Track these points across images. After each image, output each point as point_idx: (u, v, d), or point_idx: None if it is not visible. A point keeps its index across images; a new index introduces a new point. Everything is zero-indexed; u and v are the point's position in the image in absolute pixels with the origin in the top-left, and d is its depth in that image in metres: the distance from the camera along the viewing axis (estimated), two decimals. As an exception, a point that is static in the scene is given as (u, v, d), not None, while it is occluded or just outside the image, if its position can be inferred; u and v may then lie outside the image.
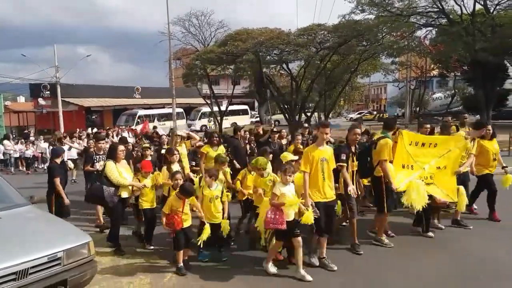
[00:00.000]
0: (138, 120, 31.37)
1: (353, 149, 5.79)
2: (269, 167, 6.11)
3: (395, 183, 5.63)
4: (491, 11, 18.41)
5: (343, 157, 5.40)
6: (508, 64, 27.59)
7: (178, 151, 6.85)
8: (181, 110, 36.19)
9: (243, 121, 35.39)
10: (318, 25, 20.52)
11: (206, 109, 37.50)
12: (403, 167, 6.00)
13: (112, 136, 16.12)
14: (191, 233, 5.33)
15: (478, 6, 18.52)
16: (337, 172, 5.41)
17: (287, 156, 5.72)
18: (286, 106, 23.55)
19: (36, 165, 18.21)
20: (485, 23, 17.65)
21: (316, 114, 28.68)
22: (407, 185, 5.80)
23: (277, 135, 9.40)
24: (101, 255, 5.78)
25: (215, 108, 28.13)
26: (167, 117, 33.76)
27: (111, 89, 39.19)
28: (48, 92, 34.11)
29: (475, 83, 22.71)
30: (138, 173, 6.33)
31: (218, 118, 27.47)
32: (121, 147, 6.22)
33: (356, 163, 5.78)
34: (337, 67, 22.10)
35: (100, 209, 7.27)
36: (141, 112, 33.90)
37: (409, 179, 5.86)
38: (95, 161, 7.47)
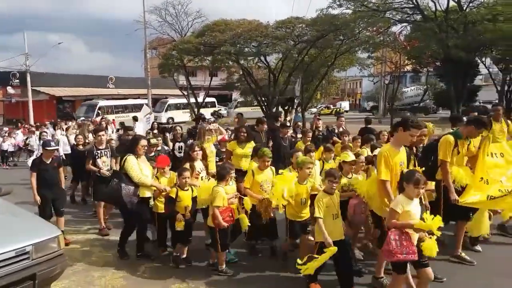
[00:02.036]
0: (99, 111, 29.65)
1: (414, 150, 4.81)
2: (315, 171, 5.28)
3: (458, 195, 4.63)
4: (464, 8, 18.93)
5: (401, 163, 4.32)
6: (478, 61, 28.55)
7: (200, 146, 5.73)
8: (146, 101, 34.41)
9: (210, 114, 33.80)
10: (296, 18, 20.58)
11: (173, 100, 36.24)
12: (481, 180, 4.88)
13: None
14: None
15: (451, 3, 19.01)
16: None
17: (347, 155, 5.06)
18: (263, 99, 23.59)
19: (17, 159, 16.05)
20: (458, 20, 18.15)
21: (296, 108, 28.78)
22: (476, 202, 4.75)
23: (289, 131, 8.19)
24: (72, 249, 5.65)
25: (192, 100, 27.85)
26: (131, 108, 31.71)
27: (83, 78, 38.06)
28: (18, 80, 32.81)
29: (447, 79, 23.42)
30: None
31: (195, 110, 27.21)
32: (144, 142, 5.44)
33: (419, 169, 4.54)
34: (314, 60, 22.25)
35: (104, 211, 6.57)
36: (102, 102, 32.00)
37: (485, 194, 4.77)
38: (96, 156, 6.43)
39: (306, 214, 4.82)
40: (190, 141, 7.29)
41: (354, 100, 65.53)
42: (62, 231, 5.51)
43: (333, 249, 3.98)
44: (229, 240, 4.89)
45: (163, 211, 5.17)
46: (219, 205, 4.62)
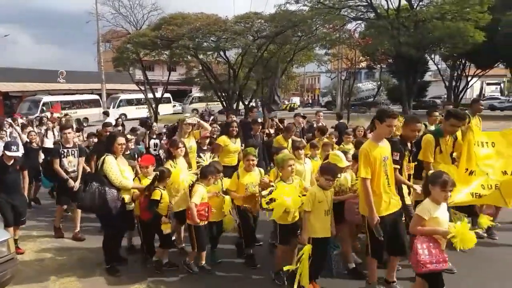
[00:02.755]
0: (43, 107, 27.36)
1: (409, 145, 4.55)
2: (304, 169, 5.01)
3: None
4: (415, 6, 19.83)
5: (396, 156, 4.18)
6: (428, 58, 30.10)
7: (184, 143, 5.35)
8: (96, 97, 32.51)
9: (164, 110, 32.27)
10: (255, 13, 20.60)
11: (125, 96, 34.75)
12: (466, 171, 4.73)
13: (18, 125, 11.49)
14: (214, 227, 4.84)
15: (403, 2, 19.88)
16: None
17: (339, 158, 4.51)
18: (223, 94, 23.47)
19: None
20: (409, 18, 19.00)
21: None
22: (463, 202, 4.58)
23: (259, 127, 7.72)
24: (25, 254, 5.33)
25: (150, 95, 27.10)
26: (80, 104, 30.34)
27: (32, 73, 35.81)
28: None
29: (399, 75, 24.49)
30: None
31: (153, 105, 26.54)
32: (122, 139, 4.88)
33: (412, 164, 4.54)
34: (273, 56, 22.43)
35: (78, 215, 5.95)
36: (47, 98, 29.76)
37: (469, 190, 4.63)
38: (62, 155, 5.85)
39: (296, 216, 4.35)
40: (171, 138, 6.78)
41: (313, 95, 66.93)
42: (15, 239, 5.20)
43: (308, 248, 3.96)
44: (207, 241, 4.73)
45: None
46: (196, 202, 4.45)
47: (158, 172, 4.73)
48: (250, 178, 4.74)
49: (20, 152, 5.43)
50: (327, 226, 4.13)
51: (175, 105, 37.69)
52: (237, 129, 6.42)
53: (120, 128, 10.27)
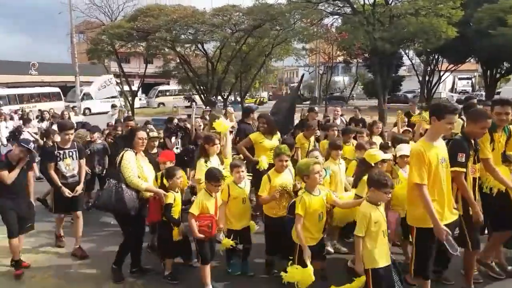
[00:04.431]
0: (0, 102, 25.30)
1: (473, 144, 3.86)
2: (338, 174, 4.57)
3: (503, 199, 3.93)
4: (390, 2, 20.18)
5: (461, 158, 3.50)
6: (402, 53, 30.72)
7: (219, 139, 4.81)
8: (57, 90, 30.80)
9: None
10: (233, 6, 20.52)
11: (88, 88, 33.30)
12: None
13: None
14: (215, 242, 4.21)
15: (379, -3, 20.16)
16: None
17: (375, 155, 4.07)
18: (202, 88, 23.33)
19: None
20: (384, 14, 19.30)
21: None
22: None
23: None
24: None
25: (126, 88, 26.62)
26: (39, 97, 28.23)
27: (2, 65, 34.56)
28: None
29: (374, 70, 24.85)
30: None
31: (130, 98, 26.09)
32: (143, 133, 4.39)
33: (478, 166, 3.81)
34: (252, 49, 22.44)
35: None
36: (1, 91, 27.71)
37: None
38: (59, 158, 5.00)
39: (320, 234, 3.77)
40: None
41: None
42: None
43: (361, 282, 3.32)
44: (211, 254, 4.07)
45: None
46: (193, 212, 3.86)
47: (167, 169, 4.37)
48: (282, 180, 4.16)
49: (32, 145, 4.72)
50: (387, 250, 3.42)
51: (141, 99, 36.36)
52: (266, 124, 5.68)
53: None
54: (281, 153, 4.16)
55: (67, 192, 4.88)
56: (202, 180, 4.25)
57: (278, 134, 5.81)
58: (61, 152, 5.02)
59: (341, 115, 8.64)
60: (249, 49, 22.39)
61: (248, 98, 42.96)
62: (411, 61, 35.16)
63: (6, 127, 10.80)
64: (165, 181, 4.32)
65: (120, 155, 4.21)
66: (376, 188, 3.31)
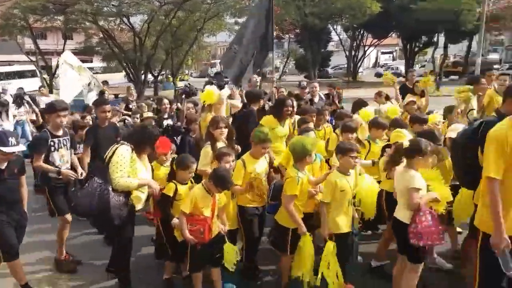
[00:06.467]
0: None
1: None
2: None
3: None
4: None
5: None
6: (331, 28, 31.74)
7: (226, 123, 4.21)
8: None
9: (30, 85, 23.85)
10: (160, -24, 19.46)
11: None
12: None
13: None
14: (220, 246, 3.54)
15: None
16: None
17: (402, 134, 3.97)
18: (129, 65, 22.11)
19: None
20: (314, -11, 19.70)
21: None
22: None
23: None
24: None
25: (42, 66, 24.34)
26: None
27: None
28: None
29: (304, 45, 25.52)
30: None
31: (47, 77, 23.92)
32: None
33: None
34: (182, 24, 21.61)
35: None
36: None
37: None
38: (52, 148, 4.07)
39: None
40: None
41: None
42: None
43: (331, 247, 3.34)
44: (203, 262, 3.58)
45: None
46: (184, 210, 3.35)
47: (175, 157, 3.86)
48: (258, 167, 3.73)
49: (21, 146, 3.52)
50: (351, 218, 3.51)
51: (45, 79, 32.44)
52: (291, 109, 4.88)
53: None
54: (266, 140, 3.72)
55: (70, 172, 4.06)
56: (208, 170, 3.77)
57: (289, 121, 4.97)
58: (55, 140, 4.08)
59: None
60: (179, 23, 21.52)
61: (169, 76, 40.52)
62: (338, 37, 36.50)
63: None
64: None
65: (112, 149, 3.50)
66: (342, 154, 3.38)
